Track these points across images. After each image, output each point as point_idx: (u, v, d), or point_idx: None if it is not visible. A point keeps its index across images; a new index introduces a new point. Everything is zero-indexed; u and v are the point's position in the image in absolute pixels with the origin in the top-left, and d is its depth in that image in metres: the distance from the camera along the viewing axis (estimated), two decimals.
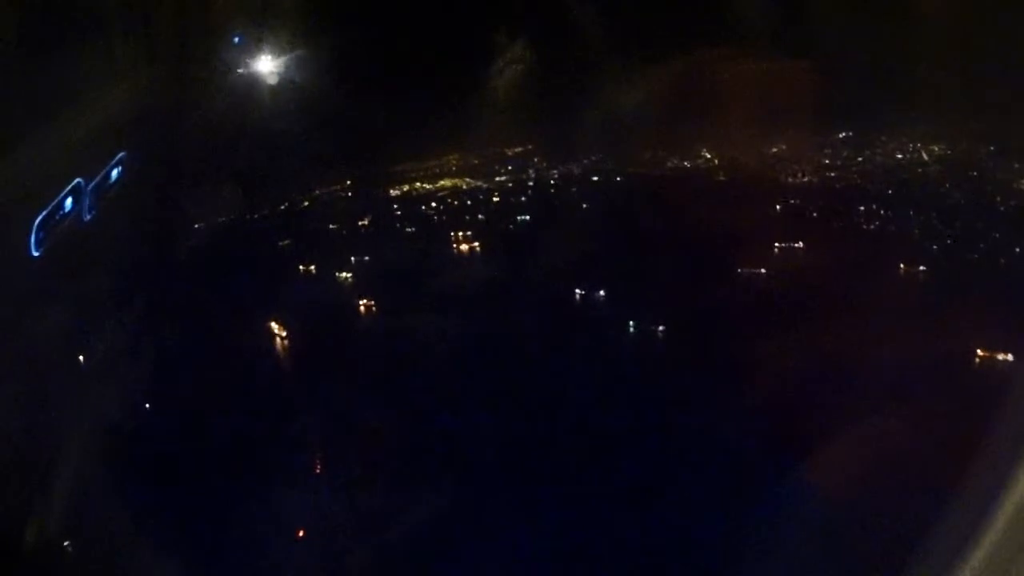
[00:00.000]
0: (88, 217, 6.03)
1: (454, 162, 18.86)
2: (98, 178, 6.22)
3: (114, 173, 6.51)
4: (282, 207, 17.55)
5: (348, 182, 18.50)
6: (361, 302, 14.23)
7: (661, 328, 12.88)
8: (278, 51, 12.20)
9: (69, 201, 5.72)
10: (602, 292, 13.80)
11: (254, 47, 11.93)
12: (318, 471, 11.40)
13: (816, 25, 13.84)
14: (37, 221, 5.33)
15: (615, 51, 15.48)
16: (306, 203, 17.69)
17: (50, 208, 5.49)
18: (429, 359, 12.65)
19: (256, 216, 17.16)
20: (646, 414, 11.14)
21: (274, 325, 13.46)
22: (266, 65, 12.09)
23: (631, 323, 13.13)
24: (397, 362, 12.74)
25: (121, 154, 6.60)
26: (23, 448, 5.47)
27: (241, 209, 16.86)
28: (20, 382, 5.58)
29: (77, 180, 5.83)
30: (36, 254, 5.35)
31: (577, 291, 13.91)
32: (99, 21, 6.71)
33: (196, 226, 15.83)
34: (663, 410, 11.01)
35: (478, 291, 13.50)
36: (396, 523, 9.89)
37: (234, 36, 11.46)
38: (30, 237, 5.28)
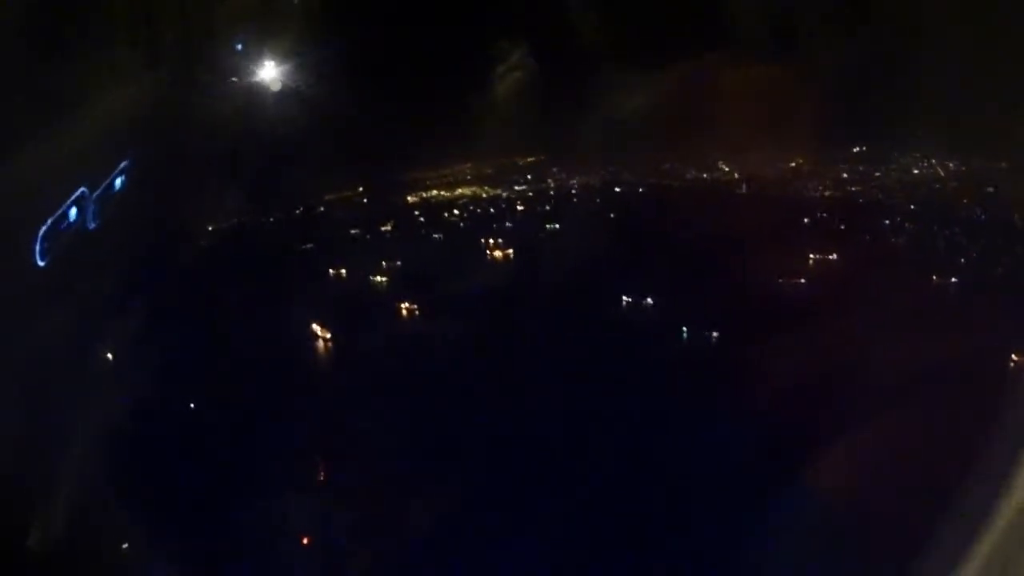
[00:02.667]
0: (93, 226, 6.03)
1: (468, 171, 18.67)
2: (102, 187, 6.22)
3: (118, 182, 6.50)
4: (297, 211, 17.11)
5: (360, 188, 18.16)
6: (403, 305, 13.89)
7: (715, 334, 12.88)
8: (284, 59, 11.96)
9: (74, 210, 5.72)
10: (650, 300, 13.74)
11: (260, 55, 11.72)
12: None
13: (827, 42, 14.18)
14: (42, 231, 5.32)
15: (625, 64, 15.57)
16: (321, 208, 17.27)
17: (54, 218, 5.50)
18: (476, 363, 12.37)
19: (272, 219, 16.72)
20: (713, 414, 11.07)
21: (316, 327, 13.07)
22: (272, 73, 11.84)
23: (684, 329, 13.08)
24: (442, 365, 12.52)
25: (124, 163, 6.59)
26: (28, 452, 5.32)
27: (255, 212, 16.49)
28: (26, 388, 5.40)
29: (81, 189, 5.84)
30: (41, 264, 5.33)
31: (624, 298, 13.84)
32: (104, 31, 6.72)
33: (209, 228, 15.41)
34: (731, 410, 10.95)
35: (521, 297, 13.36)
36: (418, 526, 9.68)
37: (236, 43, 11.27)
38: (34, 247, 5.27)
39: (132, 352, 10.04)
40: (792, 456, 9.66)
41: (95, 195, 6.12)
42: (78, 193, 5.82)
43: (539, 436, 11.26)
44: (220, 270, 13.91)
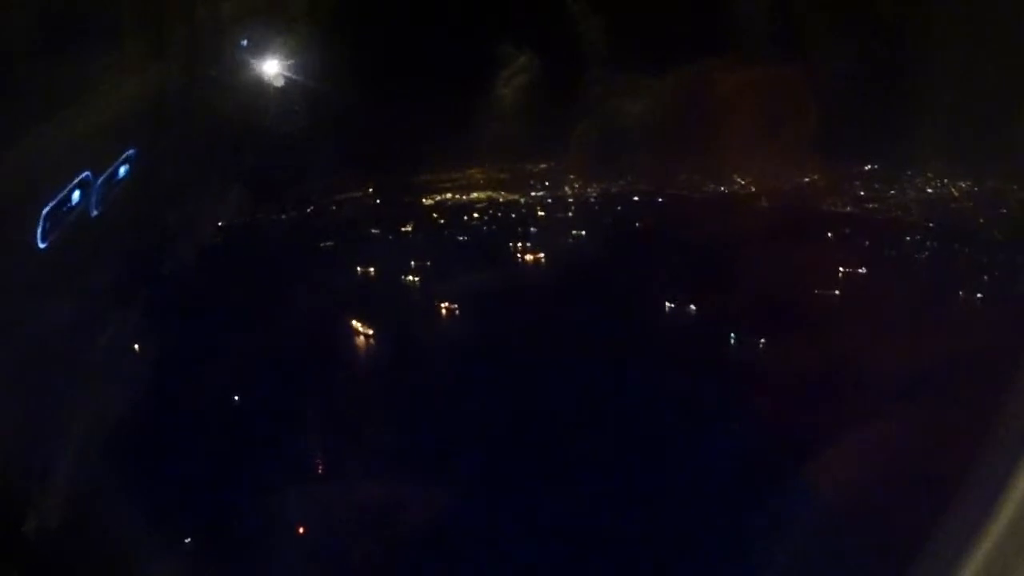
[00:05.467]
0: (95, 213, 5.81)
1: (479, 175, 18.36)
2: (106, 173, 6.01)
3: (122, 170, 6.29)
4: (308, 209, 16.58)
5: (370, 189, 17.74)
6: (442, 305, 13.57)
7: (763, 341, 12.84)
8: (289, 58, 11.70)
9: (77, 193, 5.51)
10: (692, 307, 13.66)
11: (266, 53, 11.49)
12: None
13: (835, 61, 14.39)
14: (45, 211, 5.11)
15: (634, 74, 15.66)
16: (333, 207, 16.77)
17: (58, 199, 5.29)
18: (517, 367, 12.24)
19: (284, 217, 16.19)
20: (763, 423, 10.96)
21: (355, 323, 12.68)
22: (276, 71, 11.57)
23: (732, 335, 13.02)
24: (491, 366, 12.31)
25: (130, 151, 6.38)
26: (23, 442, 5.12)
27: (266, 209, 16.03)
28: (24, 369, 5.18)
29: (86, 173, 5.63)
30: (42, 245, 5.10)
31: (667, 304, 13.72)
32: (112, 22, 6.48)
33: (220, 224, 14.91)
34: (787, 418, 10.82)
35: (562, 300, 13.18)
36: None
37: (243, 39, 11.04)
38: (37, 227, 5.05)
39: (130, 340, 9.58)
40: (829, 456, 9.60)
41: (99, 181, 5.79)
42: (82, 176, 5.52)
43: (591, 443, 11.18)
44: (237, 265, 13.51)
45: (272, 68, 11.30)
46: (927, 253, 15.38)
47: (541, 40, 15.78)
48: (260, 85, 11.37)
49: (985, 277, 14.66)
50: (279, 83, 11.65)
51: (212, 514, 9.75)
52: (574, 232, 15.98)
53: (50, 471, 5.78)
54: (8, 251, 5.01)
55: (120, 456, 7.66)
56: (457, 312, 13.57)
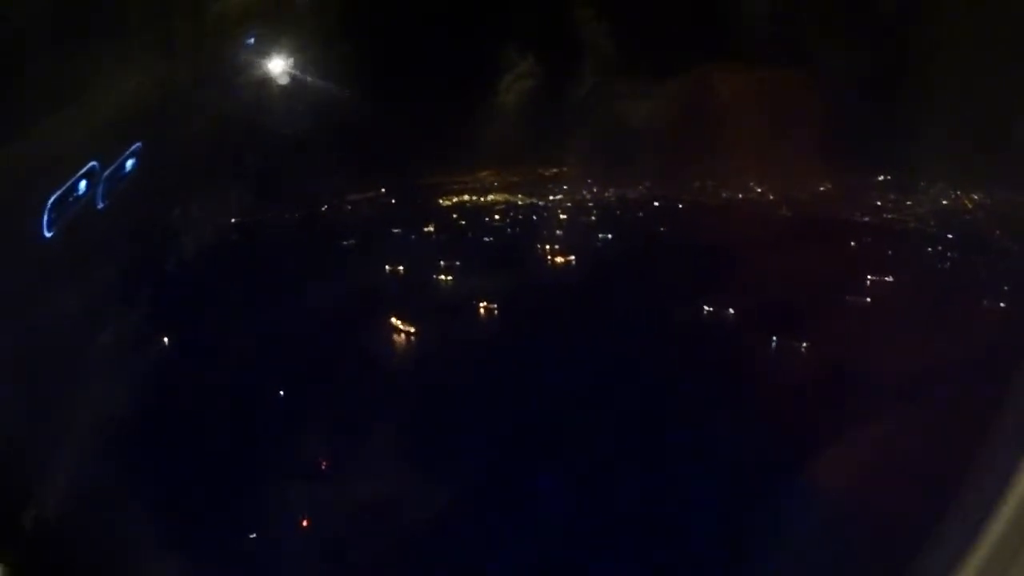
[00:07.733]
0: (102, 205, 5.90)
1: (493, 178, 18.13)
2: (113, 166, 6.11)
3: (129, 163, 6.38)
4: (323, 208, 16.11)
5: (382, 189, 17.36)
6: (481, 304, 13.28)
7: (804, 345, 12.77)
8: (297, 57, 11.48)
9: (83, 184, 5.60)
10: (731, 310, 13.55)
11: (272, 52, 11.26)
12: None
13: (846, 72, 14.53)
14: (50, 201, 5.19)
15: (650, 78, 15.66)
16: (348, 207, 16.32)
17: (64, 189, 5.37)
18: (562, 369, 12.10)
19: (298, 215, 15.71)
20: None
21: (395, 321, 12.34)
22: (285, 70, 11.35)
23: (773, 339, 12.93)
24: (528, 367, 12.14)
25: (136, 145, 6.46)
26: (24, 434, 5.09)
27: (280, 208, 15.59)
28: (26, 360, 5.24)
29: (92, 163, 5.73)
30: (48, 235, 5.19)
31: (705, 308, 13.58)
32: (123, 12, 6.62)
33: (232, 220, 14.48)
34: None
35: (601, 302, 13.01)
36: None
37: (249, 37, 10.79)
38: (43, 217, 5.13)
39: (132, 335, 9.26)
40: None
41: (106, 173, 5.85)
42: (89, 166, 5.58)
43: (625, 445, 11.02)
44: (249, 262, 13.16)
45: (279, 66, 11.06)
46: (948, 263, 15.55)
47: (550, 43, 15.67)
48: (267, 83, 11.11)
49: (1005, 287, 14.90)
50: (285, 81, 11.40)
51: (214, 512, 9.45)
52: (600, 235, 15.85)
53: (51, 464, 5.74)
54: (12, 239, 4.97)
55: (121, 450, 7.63)
56: (496, 312, 13.34)
